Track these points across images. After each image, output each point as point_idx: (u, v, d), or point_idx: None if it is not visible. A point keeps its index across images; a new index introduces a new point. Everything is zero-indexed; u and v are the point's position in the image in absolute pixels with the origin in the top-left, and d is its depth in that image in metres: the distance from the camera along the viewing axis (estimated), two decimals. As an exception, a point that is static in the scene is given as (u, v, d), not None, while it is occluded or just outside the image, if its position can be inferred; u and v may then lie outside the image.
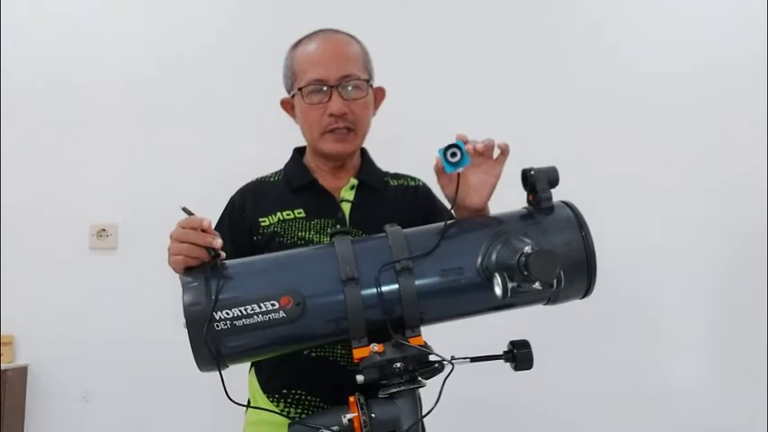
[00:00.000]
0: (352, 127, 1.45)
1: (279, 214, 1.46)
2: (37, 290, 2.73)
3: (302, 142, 1.60)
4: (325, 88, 1.43)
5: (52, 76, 2.84)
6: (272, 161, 1.61)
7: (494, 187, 1.23)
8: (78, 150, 2.81)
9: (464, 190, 1.21)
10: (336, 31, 1.50)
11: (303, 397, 1.42)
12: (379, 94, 1.55)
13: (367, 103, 1.47)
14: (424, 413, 1.11)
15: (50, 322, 2.73)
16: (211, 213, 1.30)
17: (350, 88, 1.44)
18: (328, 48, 1.47)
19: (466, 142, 1.17)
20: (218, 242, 1.13)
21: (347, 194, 1.50)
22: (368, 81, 1.47)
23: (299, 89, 1.45)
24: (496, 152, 1.21)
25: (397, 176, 1.60)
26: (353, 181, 1.52)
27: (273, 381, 1.45)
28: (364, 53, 1.50)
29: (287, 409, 1.42)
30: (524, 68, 2.82)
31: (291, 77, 1.49)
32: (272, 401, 1.44)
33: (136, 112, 2.83)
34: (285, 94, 1.54)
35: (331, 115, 1.43)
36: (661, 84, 2.80)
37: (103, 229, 2.78)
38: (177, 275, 1.16)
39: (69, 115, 2.82)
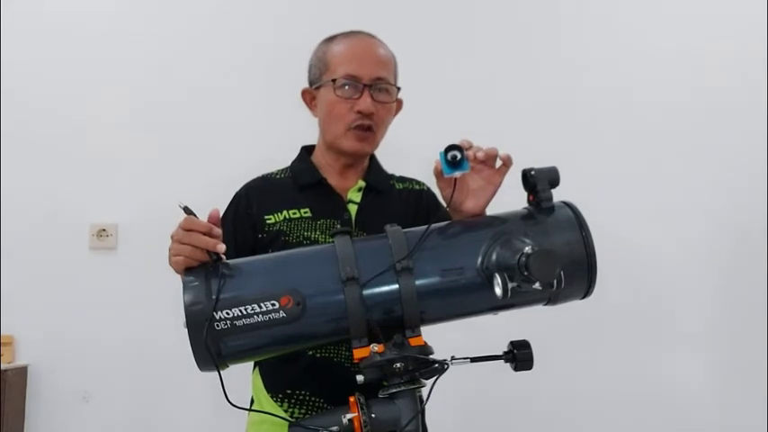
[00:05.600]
0: (374, 128, 1.46)
1: (285, 213, 1.46)
2: (37, 290, 2.73)
3: (305, 141, 1.60)
4: (358, 85, 1.44)
5: (53, 75, 2.84)
6: (274, 161, 1.61)
7: (492, 196, 1.23)
8: (78, 150, 2.81)
9: (462, 194, 1.21)
10: (372, 35, 1.52)
11: (307, 397, 1.42)
12: (399, 106, 1.56)
13: (391, 109, 1.50)
14: (422, 414, 1.11)
15: (50, 322, 2.73)
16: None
17: (380, 91, 1.45)
18: (367, 48, 1.48)
19: (468, 148, 1.17)
20: (221, 247, 1.13)
21: (354, 196, 1.51)
22: (398, 89, 1.50)
23: (332, 80, 1.45)
24: (498, 163, 1.21)
25: (402, 179, 1.61)
26: (361, 183, 1.52)
27: (277, 381, 1.45)
28: (395, 62, 1.52)
29: (291, 410, 1.42)
30: (526, 70, 2.83)
31: (322, 68, 1.49)
32: (275, 401, 1.44)
33: (136, 111, 2.83)
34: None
35: (358, 112, 1.43)
36: (662, 83, 2.80)
37: (103, 229, 2.78)
38: (178, 275, 1.16)
39: (70, 115, 2.82)
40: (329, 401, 1.39)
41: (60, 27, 2.87)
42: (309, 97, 1.53)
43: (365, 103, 1.43)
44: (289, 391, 1.43)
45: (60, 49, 2.85)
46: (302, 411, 1.41)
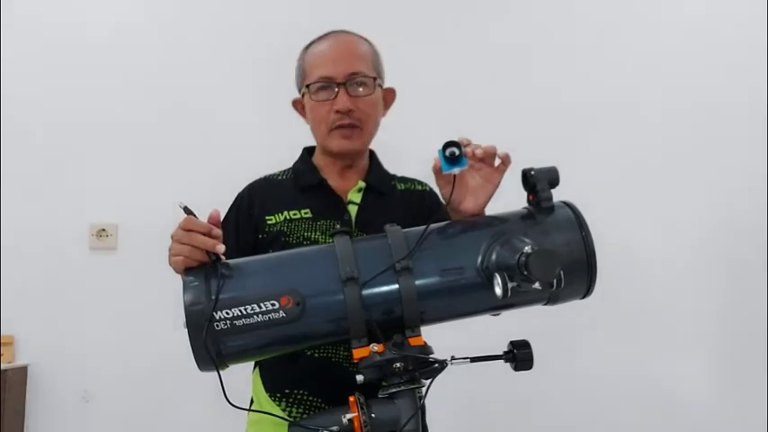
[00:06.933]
0: (358, 124, 1.46)
1: (285, 213, 1.47)
2: (37, 290, 2.73)
3: (306, 142, 1.60)
4: (332, 86, 1.44)
5: (53, 75, 2.84)
6: (275, 162, 1.61)
7: (491, 195, 1.23)
8: (78, 150, 2.81)
9: (461, 193, 1.21)
10: (347, 32, 1.52)
11: (305, 397, 1.42)
12: (390, 95, 1.55)
13: (374, 100, 1.48)
14: (423, 413, 1.11)
15: (50, 322, 2.73)
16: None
17: (357, 85, 1.45)
18: (337, 46, 1.48)
19: (467, 145, 1.17)
20: (221, 247, 1.13)
21: (354, 197, 1.51)
22: (375, 79, 1.48)
23: (307, 86, 1.46)
24: (497, 161, 1.21)
25: (404, 180, 1.61)
26: (361, 183, 1.52)
27: (276, 380, 1.46)
28: (374, 53, 1.52)
29: (288, 409, 1.42)
30: (526, 71, 2.83)
31: (302, 76, 1.51)
32: (274, 401, 1.44)
33: (136, 111, 2.83)
34: (291, 93, 1.54)
35: (337, 112, 1.44)
36: (661, 83, 2.81)
37: (103, 229, 2.79)
38: (178, 275, 1.16)
39: (70, 115, 2.83)
40: (327, 401, 1.39)
41: (62, 29, 2.87)
42: (300, 106, 1.55)
43: (341, 101, 1.43)
44: (287, 391, 1.43)
45: (61, 50, 2.85)
46: (300, 411, 1.41)
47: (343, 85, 1.43)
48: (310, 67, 1.48)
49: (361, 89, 1.45)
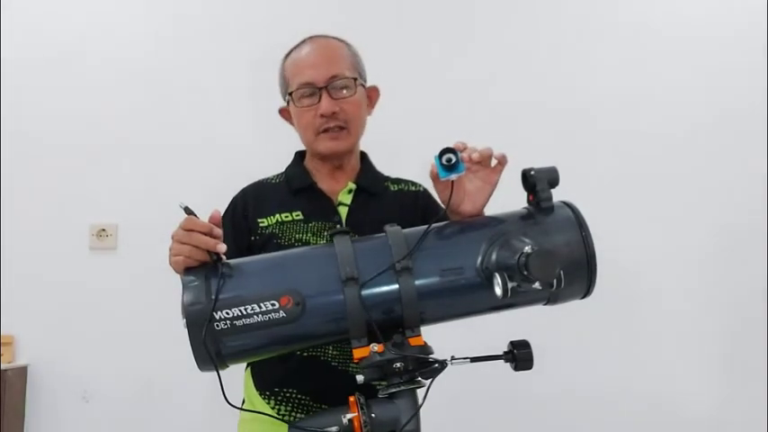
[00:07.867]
0: (344, 125, 1.48)
1: (277, 216, 1.49)
2: (37, 290, 2.73)
3: (302, 146, 1.61)
4: (314, 90, 1.46)
5: (52, 75, 2.84)
6: (275, 163, 1.62)
7: (489, 196, 1.24)
8: (78, 150, 2.81)
9: (459, 196, 1.22)
10: (325, 36, 1.54)
11: (293, 395, 1.44)
12: (374, 94, 1.57)
13: (357, 101, 1.50)
14: (421, 413, 1.11)
15: (50, 322, 2.73)
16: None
17: (338, 88, 1.47)
18: (315, 51, 1.50)
19: (463, 150, 1.17)
20: (222, 247, 1.14)
21: (344, 198, 1.52)
22: (355, 80, 1.49)
23: (290, 94, 1.49)
24: (494, 162, 1.21)
25: (397, 181, 1.61)
26: (351, 185, 1.53)
27: (266, 379, 1.48)
28: (353, 54, 1.53)
29: (277, 407, 1.44)
30: (524, 70, 2.83)
31: (284, 85, 1.53)
32: (264, 399, 1.46)
33: (136, 111, 2.83)
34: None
35: (322, 116, 1.46)
36: (660, 83, 2.81)
37: (103, 229, 2.79)
38: (178, 275, 1.16)
39: (69, 115, 2.83)
40: (315, 399, 1.41)
41: (59, 27, 2.87)
42: (286, 114, 1.57)
43: (325, 105, 1.45)
44: (276, 389, 1.45)
45: (60, 50, 2.85)
46: (288, 409, 1.43)
47: (325, 89, 1.45)
48: (291, 76, 1.50)
49: (343, 91, 1.47)
